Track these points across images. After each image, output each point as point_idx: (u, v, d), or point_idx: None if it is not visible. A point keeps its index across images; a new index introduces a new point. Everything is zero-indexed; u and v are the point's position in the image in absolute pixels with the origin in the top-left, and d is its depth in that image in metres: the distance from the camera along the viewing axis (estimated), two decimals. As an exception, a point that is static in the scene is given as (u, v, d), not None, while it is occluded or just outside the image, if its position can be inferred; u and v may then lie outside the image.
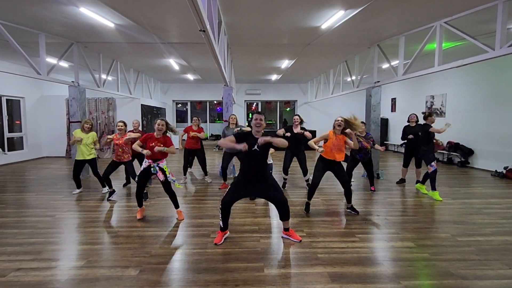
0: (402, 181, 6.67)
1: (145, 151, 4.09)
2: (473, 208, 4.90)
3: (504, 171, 7.36)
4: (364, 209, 4.84)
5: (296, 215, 4.51)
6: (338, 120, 4.32)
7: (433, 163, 5.33)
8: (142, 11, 5.10)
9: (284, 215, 3.54)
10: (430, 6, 4.94)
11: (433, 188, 5.39)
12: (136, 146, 4.19)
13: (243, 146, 3.18)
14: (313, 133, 12.47)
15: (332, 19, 5.50)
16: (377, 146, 5.72)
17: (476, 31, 5.82)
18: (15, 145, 10.13)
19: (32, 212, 4.73)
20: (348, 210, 4.69)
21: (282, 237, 3.68)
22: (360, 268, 2.94)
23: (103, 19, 5.41)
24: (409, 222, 4.24)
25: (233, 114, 6.24)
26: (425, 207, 5.00)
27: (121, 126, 5.38)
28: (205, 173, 6.79)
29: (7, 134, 9.56)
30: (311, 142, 4.40)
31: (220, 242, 3.52)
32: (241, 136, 3.37)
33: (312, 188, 4.56)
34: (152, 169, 4.17)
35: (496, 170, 7.63)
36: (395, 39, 6.68)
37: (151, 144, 4.13)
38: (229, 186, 3.54)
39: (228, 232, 3.70)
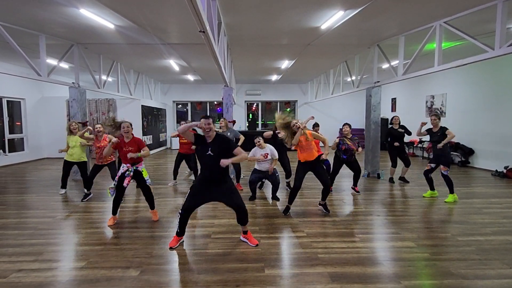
0: (391, 180, 6.82)
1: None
2: (474, 207, 4.90)
3: (505, 171, 7.35)
4: (364, 209, 4.84)
5: (297, 216, 4.52)
6: (296, 125, 4.32)
7: (432, 165, 5.43)
8: (142, 12, 5.10)
9: (241, 220, 3.44)
10: (429, 6, 4.94)
11: (431, 188, 5.56)
12: (106, 152, 4.24)
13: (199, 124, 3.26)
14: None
15: (332, 19, 5.50)
16: (360, 149, 5.55)
17: (475, 30, 5.82)
18: (15, 146, 10.15)
19: (32, 213, 4.74)
20: (320, 207, 4.72)
21: (240, 239, 3.60)
22: (360, 268, 2.94)
23: (103, 20, 5.42)
24: (409, 222, 4.24)
25: (224, 118, 6.26)
26: (425, 207, 5.00)
27: (99, 128, 5.39)
28: (195, 176, 6.77)
29: (7, 136, 9.57)
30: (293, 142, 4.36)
31: (175, 246, 3.42)
32: (198, 137, 3.38)
33: (294, 191, 4.51)
34: (127, 173, 4.07)
35: (496, 170, 7.63)
36: (395, 39, 6.68)
37: (124, 149, 4.06)
38: (188, 192, 3.45)
39: (183, 239, 3.57)
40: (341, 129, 6.03)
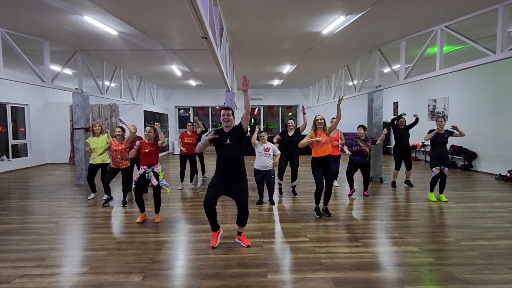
0: (393, 185, 6.76)
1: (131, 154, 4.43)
2: (477, 212, 4.87)
3: (508, 175, 7.30)
4: (367, 214, 4.82)
5: (299, 220, 4.50)
6: (318, 120, 4.57)
7: (433, 169, 5.42)
8: (145, 19, 5.16)
9: (241, 220, 3.57)
10: (430, 10, 4.97)
11: (431, 190, 5.61)
12: (133, 154, 4.38)
13: (211, 135, 3.28)
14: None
15: (333, 24, 5.54)
16: (378, 141, 5.74)
17: (477, 34, 5.84)
18: (19, 152, 10.20)
19: (36, 218, 4.75)
20: (322, 212, 4.74)
21: (235, 241, 3.69)
22: (363, 273, 2.92)
23: (107, 27, 5.48)
24: (412, 227, 4.21)
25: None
26: (429, 211, 4.97)
27: (119, 131, 5.32)
28: (191, 178, 6.85)
29: (11, 141, 9.63)
30: (302, 141, 4.56)
31: (216, 244, 3.55)
32: (217, 133, 3.39)
33: (318, 192, 4.61)
34: (146, 174, 4.29)
35: (500, 174, 7.58)
36: (396, 43, 6.70)
37: (144, 150, 4.31)
38: (208, 188, 3.50)
39: (221, 231, 3.73)
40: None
